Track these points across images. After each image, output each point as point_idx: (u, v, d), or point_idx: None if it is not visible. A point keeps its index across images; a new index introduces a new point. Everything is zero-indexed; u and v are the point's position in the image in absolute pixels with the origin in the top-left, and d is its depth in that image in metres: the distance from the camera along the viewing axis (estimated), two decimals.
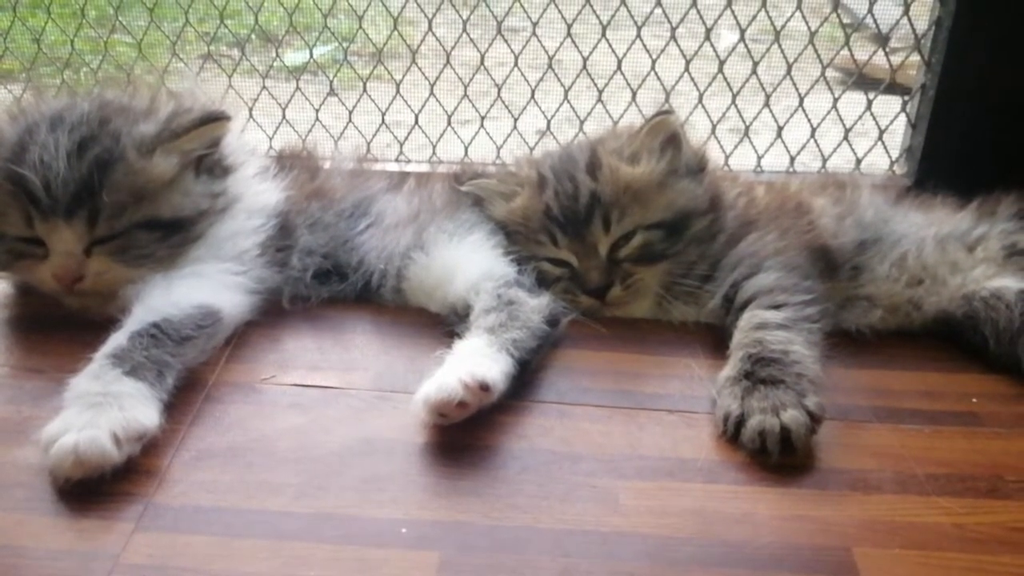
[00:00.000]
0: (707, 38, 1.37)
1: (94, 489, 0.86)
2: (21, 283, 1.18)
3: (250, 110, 1.51)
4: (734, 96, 1.40)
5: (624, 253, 1.16)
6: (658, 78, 1.42)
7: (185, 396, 0.99)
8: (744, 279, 1.12)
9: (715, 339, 1.12)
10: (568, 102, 1.45)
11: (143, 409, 0.91)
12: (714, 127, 1.44)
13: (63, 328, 1.10)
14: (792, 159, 1.45)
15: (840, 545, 0.84)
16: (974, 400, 1.05)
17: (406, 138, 1.50)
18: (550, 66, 1.43)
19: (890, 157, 1.41)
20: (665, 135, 1.18)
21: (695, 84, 1.42)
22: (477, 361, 0.97)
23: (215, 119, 1.13)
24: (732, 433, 0.96)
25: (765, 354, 1.00)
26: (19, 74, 1.65)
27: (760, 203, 1.22)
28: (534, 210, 1.19)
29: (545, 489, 0.90)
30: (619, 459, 0.94)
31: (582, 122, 1.46)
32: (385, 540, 0.83)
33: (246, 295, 1.11)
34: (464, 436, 0.95)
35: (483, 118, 1.48)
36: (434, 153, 1.50)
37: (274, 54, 1.64)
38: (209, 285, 1.08)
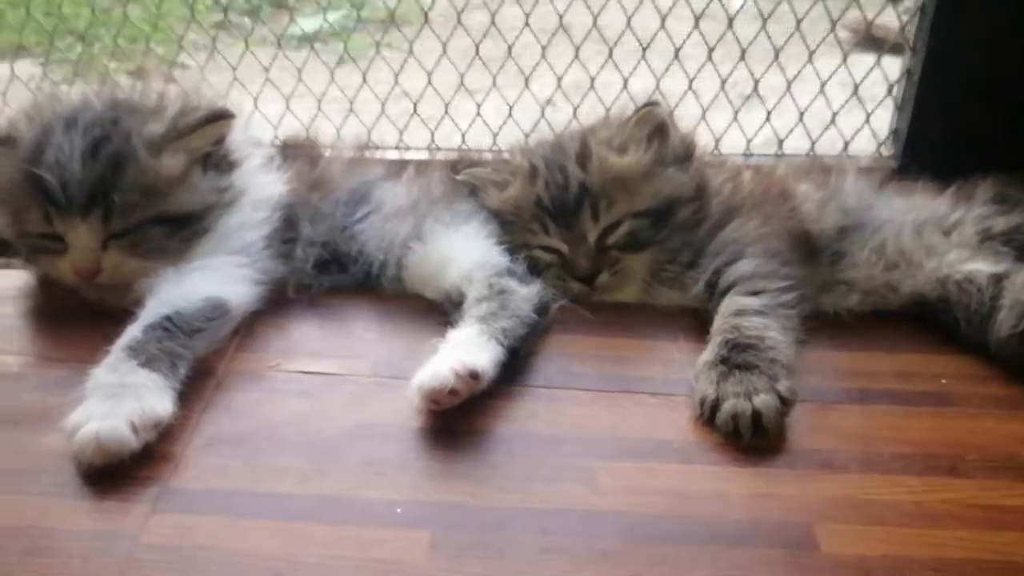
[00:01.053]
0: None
1: (114, 474, 0.93)
2: (43, 275, 1.25)
3: (266, 78, 1.54)
4: (743, 53, 1.42)
5: (612, 240, 1.22)
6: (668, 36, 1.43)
7: (197, 384, 1.06)
8: (726, 265, 1.17)
9: (699, 323, 1.17)
10: (579, 60, 1.46)
11: (158, 399, 0.98)
12: (723, 83, 1.46)
13: (83, 318, 1.17)
14: (801, 116, 1.47)
15: (803, 521, 0.90)
16: (944, 381, 1.10)
17: (417, 102, 1.52)
18: (560, 26, 1.44)
19: (877, 139, 1.45)
20: (652, 125, 1.22)
21: (705, 40, 1.43)
22: (468, 350, 1.03)
23: (220, 117, 1.19)
24: (708, 416, 1.01)
25: (741, 340, 1.06)
26: (36, 48, 1.69)
27: (745, 189, 1.27)
28: (526, 200, 1.25)
29: (530, 471, 0.96)
30: (601, 441, 1.01)
31: (592, 83, 1.48)
32: (381, 520, 0.90)
33: (253, 286, 1.18)
34: (456, 421, 1.02)
35: (495, 81, 1.50)
36: (447, 113, 1.52)
37: (288, 20, 1.65)
38: (218, 278, 1.15)
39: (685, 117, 1.41)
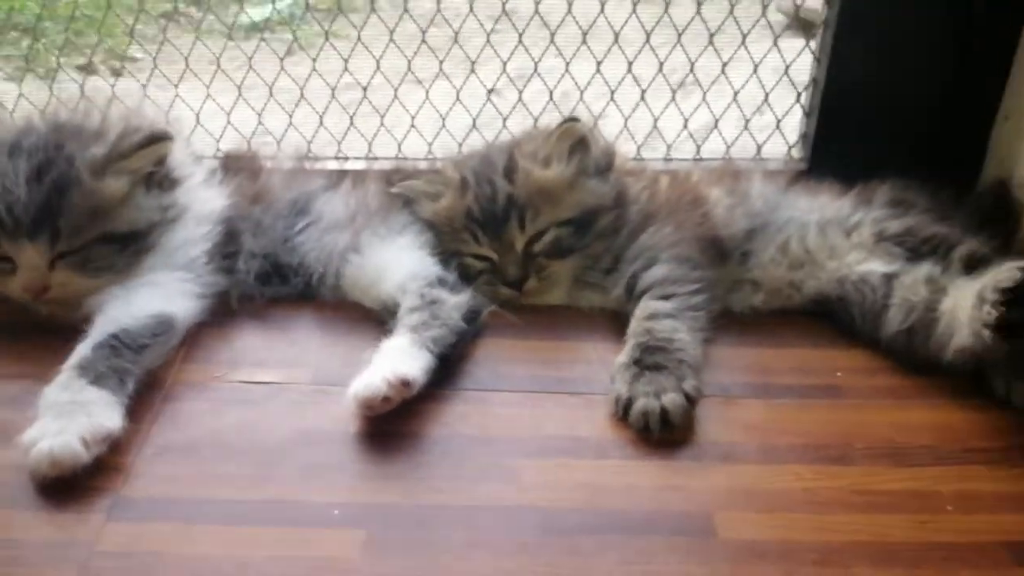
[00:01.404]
0: None
1: (69, 486, 0.99)
2: None
3: (216, 69, 1.57)
4: (679, 36, 1.49)
5: (538, 248, 1.30)
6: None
7: (146, 396, 1.13)
8: (642, 271, 1.26)
9: (620, 325, 1.25)
10: (523, 46, 1.51)
11: (108, 414, 1.04)
12: (660, 67, 1.52)
13: (36, 335, 1.22)
14: (735, 96, 1.54)
15: (703, 511, 0.99)
16: (839, 374, 1.21)
17: (366, 87, 1.56)
18: (504, 12, 1.50)
19: (787, 143, 1.54)
20: (573, 139, 1.30)
21: (643, 27, 1.49)
22: (400, 359, 1.11)
23: (158, 139, 1.24)
24: (622, 414, 1.11)
25: (652, 342, 1.15)
26: None
27: (661, 196, 1.36)
28: (458, 211, 1.32)
29: (459, 470, 1.05)
30: (525, 440, 1.09)
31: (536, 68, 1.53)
32: (320, 521, 0.98)
33: (197, 300, 1.24)
34: (391, 425, 1.10)
35: (440, 66, 1.54)
36: (396, 98, 1.57)
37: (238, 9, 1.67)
38: (163, 293, 1.21)
39: (625, 102, 1.50)
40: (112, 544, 0.94)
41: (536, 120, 1.48)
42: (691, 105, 1.54)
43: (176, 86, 1.58)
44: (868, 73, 1.41)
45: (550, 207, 1.29)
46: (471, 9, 1.51)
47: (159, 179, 1.27)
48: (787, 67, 1.46)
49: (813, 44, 1.45)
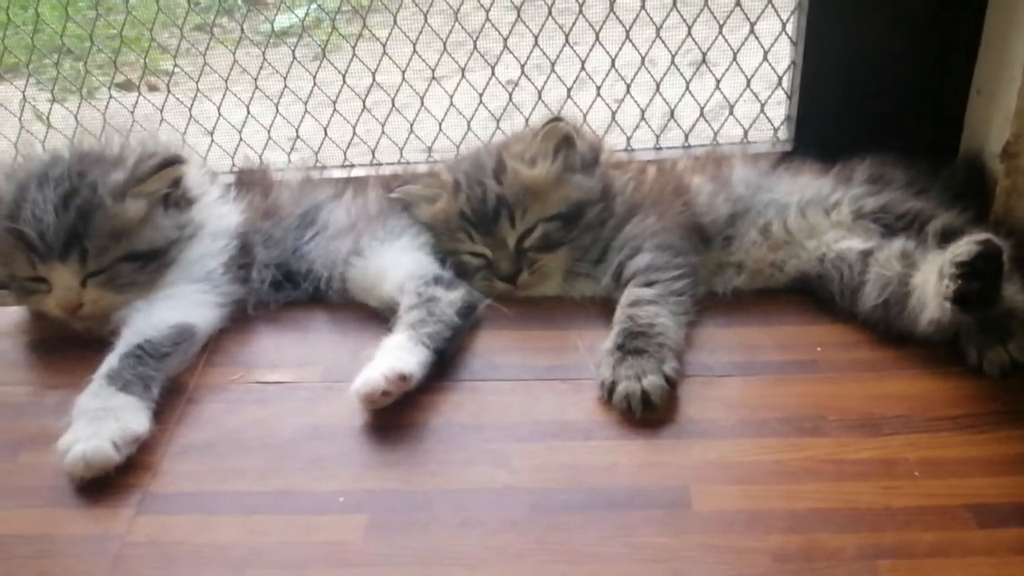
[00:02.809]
0: None
1: (102, 484, 1.10)
2: (35, 312, 1.42)
3: (256, 78, 1.65)
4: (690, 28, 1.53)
5: (529, 243, 1.37)
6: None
7: (171, 399, 1.23)
8: (628, 259, 1.32)
9: (610, 313, 1.31)
10: (538, 46, 1.56)
11: (136, 417, 1.15)
12: (673, 58, 1.56)
13: (72, 347, 1.33)
14: (717, 83, 1.57)
15: (680, 484, 1.06)
16: (818, 349, 1.26)
17: (395, 94, 1.62)
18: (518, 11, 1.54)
19: (772, 126, 1.58)
20: (557, 139, 1.37)
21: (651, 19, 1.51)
22: (398, 355, 1.19)
23: (172, 163, 1.35)
24: (607, 397, 1.17)
25: (635, 328, 1.21)
26: (22, 67, 1.82)
27: (646, 187, 1.41)
28: (452, 212, 1.40)
29: (453, 456, 1.13)
30: (515, 426, 1.17)
31: (553, 65, 1.58)
32: (327, 508, 1.07)
33: (216, 309, 1.34)
34: (392, 416, 1.18)
35: (463, 69, 1.59)
36: (423, 106, 1.63)
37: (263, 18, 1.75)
38: (183, 305, 1.31)
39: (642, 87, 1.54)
40: (142, 535, 1.04)
41: (527, 120, 1.55)
42: (675, 94, 1.59)
43: (190, 108, 1.68)
44: (844, 53, 1.45)
45: (538, 204, 1.36)
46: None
47: (176, 199, 1.37)
48: (766, 53, 1.50)
49: (789, 27, 1.49)
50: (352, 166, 1.65)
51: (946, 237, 1.24)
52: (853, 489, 1.04)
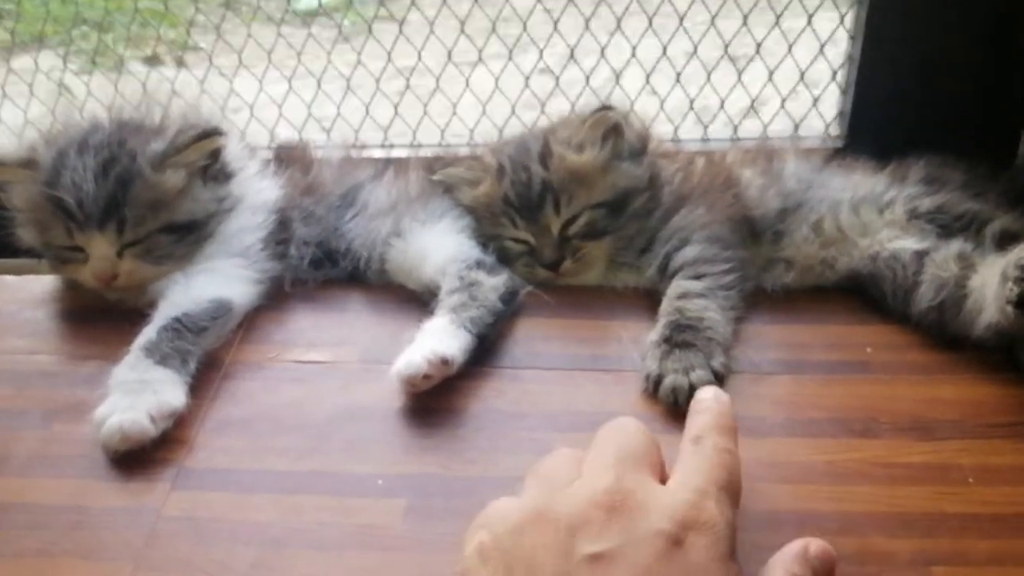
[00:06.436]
0: None
1: (138, 457, 1.08)
2: (69, 281, 1.41)
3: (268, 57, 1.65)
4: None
5: (573, 231, 1.34)
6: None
7: (206, 375, 1.21)
8: (675, 251, 1.30)
9: (654, 304, 1.29)
10: (589, 31, 1.53)
11: (173, 391, 1.13)
12: (726, 48, 1.54)
13: (106, 318, 1.31)
14: (770, 75, 1.54)
15: None
16: (869, 350, 1.23)
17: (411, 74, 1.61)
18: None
19: (824, 121, 1.55)
20: (606, 127, 1.34)
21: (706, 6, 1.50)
22: (440, 339, 1.17)
23: (211, 135, 1.33)
24: (652, 390, 1.15)
25: (683, 321, 1.19)
26: (54, 38, 1.81)
27: (695, 178, 1.38)
28: (495, 197, 1.37)
29: (494, 443, 1.11)
30: (557, 415, 1.14)
31: (603, 50, 1.54)
32: (363, 491, 1.05)
33: (253, 285, 1.32)
34: (431, 401, 1.16)
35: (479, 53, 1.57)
36: (437, 87, 1.60)
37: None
38: (221, 279, 1.30)
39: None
40: (176, 510, 1.03)
41: (573, 106, 1.52)
42: (727, 85, 1.56)
43: (231, 80, 1.66)
44: (904, 50, 1.41)
45: (584, 191, 1.33)
46: None
47: (214, 172, 1.35)
48: (822, 46, 1.47)
49: (847, 21, 1.46)
50: (392, 146, 1.62)
51: (1005, 240, 1.21)
52: (906, 493, 1.01)
